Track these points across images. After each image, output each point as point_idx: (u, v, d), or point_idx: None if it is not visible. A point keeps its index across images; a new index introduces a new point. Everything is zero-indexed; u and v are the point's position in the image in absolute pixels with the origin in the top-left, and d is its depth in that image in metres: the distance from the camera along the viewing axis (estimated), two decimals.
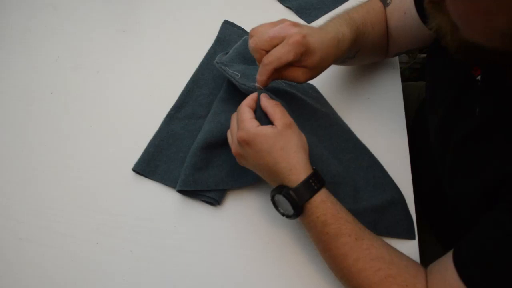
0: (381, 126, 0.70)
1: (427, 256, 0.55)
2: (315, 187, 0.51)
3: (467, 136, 0.50)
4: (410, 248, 0.59)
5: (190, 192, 0.63)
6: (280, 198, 0.53)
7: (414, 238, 0.60)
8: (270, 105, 0.54)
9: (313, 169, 0.53)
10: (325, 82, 0.74)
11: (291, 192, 0.51)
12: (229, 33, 0.81)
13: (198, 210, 0.63)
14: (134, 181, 0.66)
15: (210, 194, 0.63)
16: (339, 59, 0.61)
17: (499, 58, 0.39)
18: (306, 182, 0.51)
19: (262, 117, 0.55)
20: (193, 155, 0.63)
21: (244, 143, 0.53)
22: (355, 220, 0.53)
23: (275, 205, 0.55)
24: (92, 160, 0.68)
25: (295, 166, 0.52)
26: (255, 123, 0.53)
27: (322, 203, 0.51)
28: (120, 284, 0.59)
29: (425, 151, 0.68)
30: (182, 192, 0.63)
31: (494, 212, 0.45)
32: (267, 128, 0.52)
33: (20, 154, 0.69)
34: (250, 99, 0.56)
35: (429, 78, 0.62)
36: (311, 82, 0.72)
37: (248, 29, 0.82)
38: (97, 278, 0.59)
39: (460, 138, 0.51)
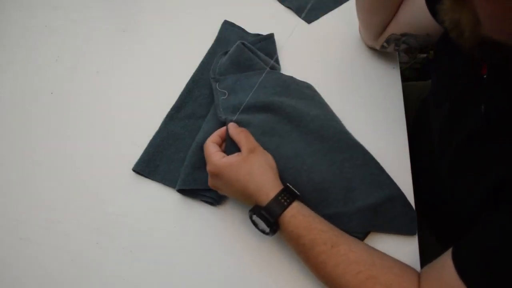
0: (381, 126, 0.70)
1: (427, 256, 0.55)
2: (285, 203, 0.54)
3: (471, 134, 0.50)
4: (410, 248, 0.59)
5: (190, 191, 0.63)
6: (255, 218, 0.55)
7: (414, 234, 0.60)
8: (235, 133, 0.59)
9: (283, 185, 0.56)
10: (324, 82, 0.74)
11: (262, 211, 0.54)
12: (229, 33, 0.81)
13: (198, 210, 0.64)
14: (134, 181, 0.66)
15: (210, 194, 0.63)
16: None
17: None
18: (275, 199, 0.54)
19: (233, 146, 0.59)
20: (193, 155, 0.63)
21: (214, 175, 0.57)
22: (332, 229, 0.54)
23: (254, 224, 0.57)
24: (92, 160, 0.68)
25: (262, 187, 0.55)
26: (220, 155, 0.57)
27: (293, 217, 0.53)
28: (120, 284, 0.59)
29: (425, 150, 0.68)
30: (181, 191, 0.63)
31: (494, 212, 0.45)
32: (231, 158, 0.57)
33: (20, 154, 0.69)
34: (215, 135, 0.61)
35: (435, 75, 0.62)
36: (309, 82, 0.72)
37: (248, 29, 0.82)
38: (97, 278, 0.59)
39: (464, 136, 0.51)
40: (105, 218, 0.63)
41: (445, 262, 0.47)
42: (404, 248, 0.57)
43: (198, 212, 0.63)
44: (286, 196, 0.54)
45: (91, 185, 0.66)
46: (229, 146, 0.60)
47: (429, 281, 0.49)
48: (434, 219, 0.72)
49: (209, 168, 0.58)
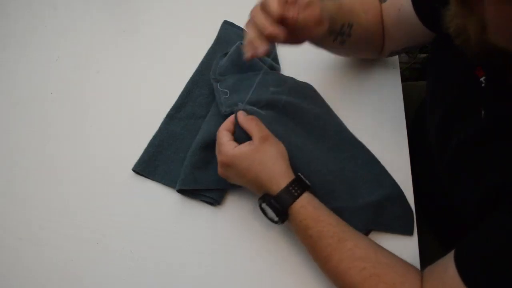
0: (381, 126, 0.70)
1: (427, 257, 0.55)
2: (295, 194, 0.54)
3: (471, 138, 0.50)
4: (410, 248, 0.59)
5: (190, 192, 0.63)
6: (265, 206, 0.56)
7: (411, 234, 0.60)
8: (246, 121, 0.58)
9: (295, 175, 0.56)
10: (325, 82, 0.74)
11: (272, 201, 0.54)
12: (229, 33, 0.81)
13: (198, 210, 0.64)
14: (134, 181, 0.66)
15: (210, 194, 0.63)
16: (333, 27, 0.59)
17: None
18: (286, 189, 0.54)
19: (242, 134, 0.58)
20: (193, 155, 0.63)
21: (226, 165, 0.57)
22: (339, 223, 0.54)
23: (264, 212, 0.57)
24: (92, 160, 0.68)
25: (274, 176, 0.55)
26: (232, 145, 0.57)
27: (303, 208, 0.54)
28: (120, 284, 0.59)
29: (425, 151, 0.68)
30: (182, 191, 0.63)
31: (495, 214, 0.45)
32: (244, 147, 0.56)
33: (20, 154, 0.69)
34: (228, 122, 0.59)
35: (430, 77, 0.62)
36: (309, 81, 0.72)
37: None
38: (97, 278, 0.59)
39: (462, 140, 0.51)
40: (105, 218, 0.63)
41: (448, 264, 0.47)
42: (404, 248, 0.57)
43: (198, 212, 0.63)
44: (297, 186, 0.54)
45: (91, 185, 0.66)
46: (239, 134, 0.58)
47: (431, 282, 0.49)
48: (434, 219, 0.72)
49: (220, 158, 0.57)
